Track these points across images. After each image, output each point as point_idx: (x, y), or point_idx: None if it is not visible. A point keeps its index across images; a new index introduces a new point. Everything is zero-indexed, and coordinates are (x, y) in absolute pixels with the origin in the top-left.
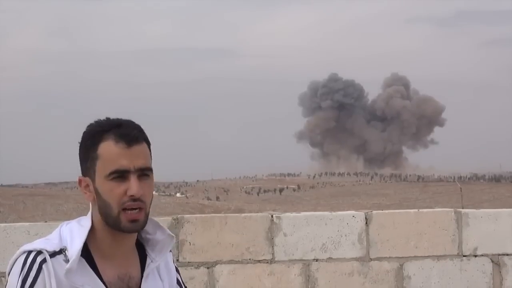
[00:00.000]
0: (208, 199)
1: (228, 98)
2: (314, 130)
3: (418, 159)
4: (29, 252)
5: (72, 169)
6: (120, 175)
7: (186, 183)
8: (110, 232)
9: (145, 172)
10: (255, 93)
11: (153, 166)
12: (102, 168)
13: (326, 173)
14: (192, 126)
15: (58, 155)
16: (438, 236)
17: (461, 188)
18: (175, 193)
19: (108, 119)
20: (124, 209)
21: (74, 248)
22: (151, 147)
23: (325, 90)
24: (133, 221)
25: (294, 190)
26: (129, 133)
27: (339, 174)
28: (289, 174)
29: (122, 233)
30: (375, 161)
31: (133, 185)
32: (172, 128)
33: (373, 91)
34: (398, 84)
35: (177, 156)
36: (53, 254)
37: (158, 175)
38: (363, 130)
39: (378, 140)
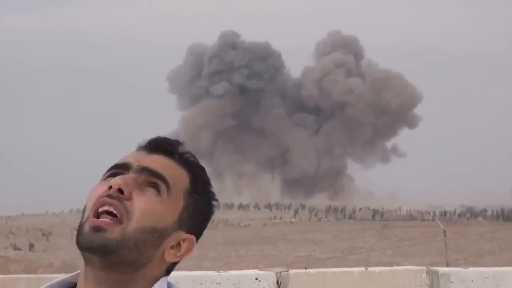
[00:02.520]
0: (16, 248)
1: (55, 81)
2: (198, 132)
3: (373, 182)
4: None
5: None
6: (116, 172)
7: None
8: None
9: (151, 180)
10: (104, 69)
11: None
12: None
13: (218, 205)
14: None
15: None
16: None
17: (445, 232)
18: None
19: None
20: (95, 213)
21: None
22: None
23: (216, 64)
24: (95, 228)
25: None
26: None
27: (241, 206)
28: None
29: (85, 257)
30: (301, 184)
31: (119, 177)
32: None
33: (299, 63)
34: (343, 52)
35: None
36: None
37: None
38: (282, 131)
39: (307, 148)
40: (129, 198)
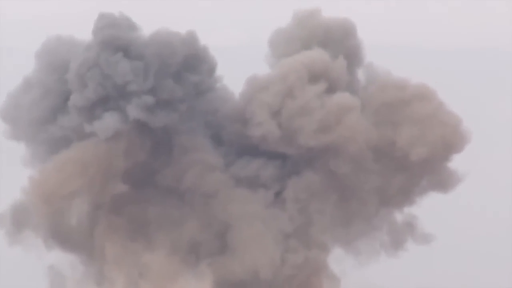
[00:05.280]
0: None
1: None
2: (61, 207)
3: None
4: None
5: None
6: None
7: None
8: None
9: None
10: None
11: None
12: None
13: None
14: None
15: None
16: None
17: None
18: None
19: None
20: None
21: None
22: None
23: (95, 88)
24: None
25: None
26: None
27: None
28: None
29: None
30: None
31: None
32: None
33: (241, 73)
34: (325, 49)
35: None
36: None
37: None
38: (217, 195)
39: (262, 227)
40: None
